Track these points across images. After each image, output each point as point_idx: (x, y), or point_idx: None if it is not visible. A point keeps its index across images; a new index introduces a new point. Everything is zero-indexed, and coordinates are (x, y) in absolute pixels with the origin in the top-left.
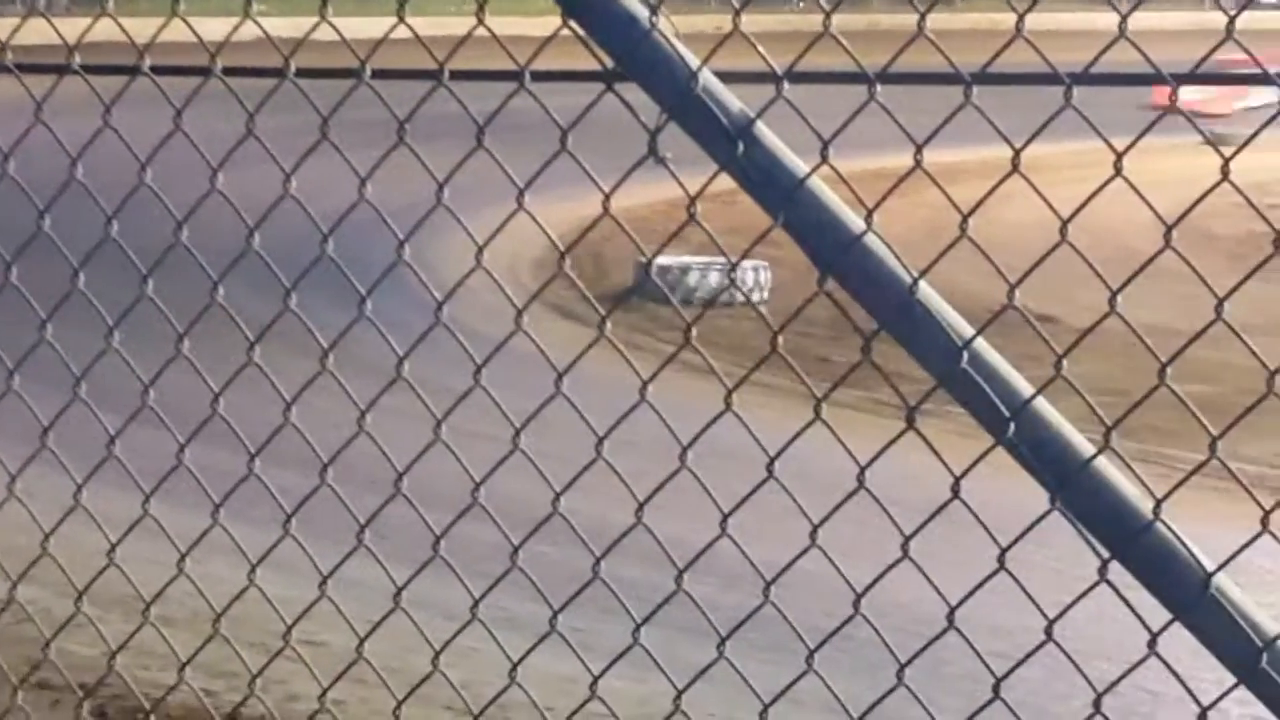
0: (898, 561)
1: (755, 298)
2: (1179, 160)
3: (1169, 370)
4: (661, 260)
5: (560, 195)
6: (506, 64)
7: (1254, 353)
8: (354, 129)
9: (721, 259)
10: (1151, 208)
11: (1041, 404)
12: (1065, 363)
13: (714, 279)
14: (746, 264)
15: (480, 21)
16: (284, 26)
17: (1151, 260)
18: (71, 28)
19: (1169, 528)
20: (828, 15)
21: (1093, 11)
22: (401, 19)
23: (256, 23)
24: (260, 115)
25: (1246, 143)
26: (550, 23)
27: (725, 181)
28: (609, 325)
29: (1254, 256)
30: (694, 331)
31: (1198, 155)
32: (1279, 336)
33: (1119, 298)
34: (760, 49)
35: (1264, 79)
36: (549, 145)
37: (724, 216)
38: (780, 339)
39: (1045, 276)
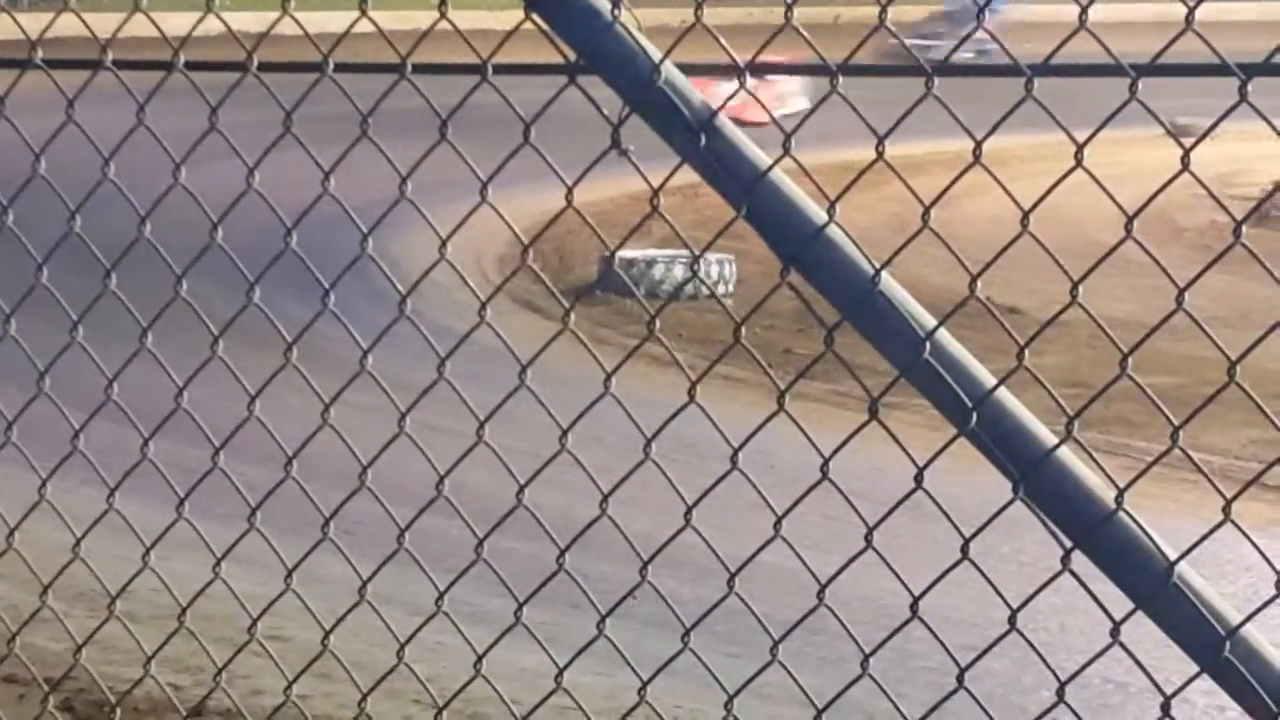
0: (861, 552)
1: (720, 291)
2: (1142, 152)
3: (1130, 361)
4: (626, 253)
5: (523, 190)
6: (469, 58)
7: (1215, 343)
8: (317, 123)
9: (686, 252)
10: (1112, 198)
11: (1004, 394)
12: (1028, 354)
13: (679, 272)
14: (711, 257)
15: (443, 15)
16: (247, 21)
17: (1112, 251)
18: (35, 22)
19: (1131, 517)
20: (789, 7)
21: (1064, 4)
22: (364, 13)
23: (219, 17)
24: (224, 110)
25: (1205, 135)
26: (512, 17)
27: (690, 175)
28: (573, 318)
29: (1218, 247)
30: (657, 324)
31: (1161, 147)
32: (1241, 328)
33: (1081, 289)
34: (722, 41)
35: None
36: (511, 139)
37: (689, 210)
38: (744, 331)
39: (1011, 269)
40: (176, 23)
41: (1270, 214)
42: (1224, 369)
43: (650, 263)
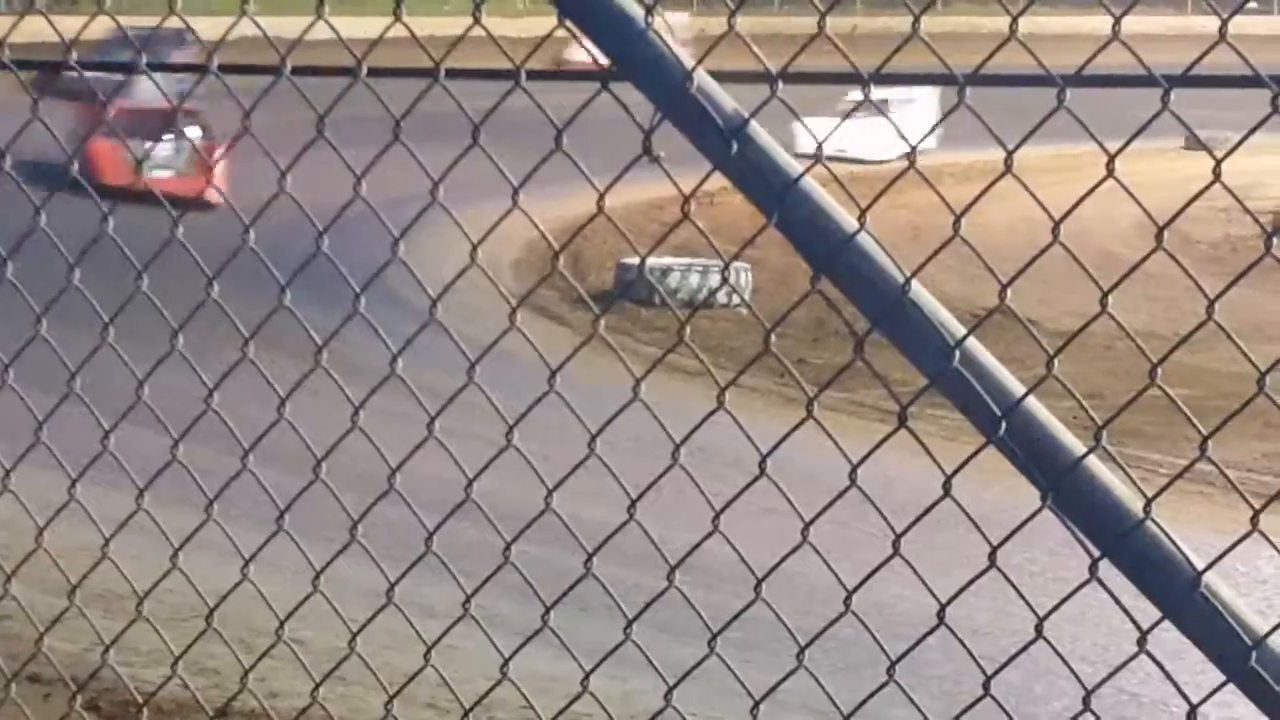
0: (889, 559)
1: (736, 300)
2: (1156, 164)
3: (1158, 373)
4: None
5: (543, 194)
6: (494, 63)
7: (1245, 354)
8: (346, 126)
9: (702, 260)
10: (1146, 211)
11: (1033, 403)
12: (1042, 365)
13: (694, 280)
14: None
15: (476, 20)
16: (278, 25)
17: (1139, 265)
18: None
19: (1159, 527)
20: (823, 15)
21: (1078, 15)
22: (398, 18)
23: (255, 22)
24: (256, 112)
25: (1238, 144)
26: (530, 24)
27: (707, 182)
28: (586, 323)
29: (1231, 260)
30: (687, 330)
31: (1174, 159)
32: (1255, 341)
33: (1107, 298)
34: (755, 49)
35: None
36: (534, 142)
37: (705, 217)
38: (758, 341)
39: (1025, 279)
40: (209, 24)
41: None
42: (1239, 381)
43: (666, 270)
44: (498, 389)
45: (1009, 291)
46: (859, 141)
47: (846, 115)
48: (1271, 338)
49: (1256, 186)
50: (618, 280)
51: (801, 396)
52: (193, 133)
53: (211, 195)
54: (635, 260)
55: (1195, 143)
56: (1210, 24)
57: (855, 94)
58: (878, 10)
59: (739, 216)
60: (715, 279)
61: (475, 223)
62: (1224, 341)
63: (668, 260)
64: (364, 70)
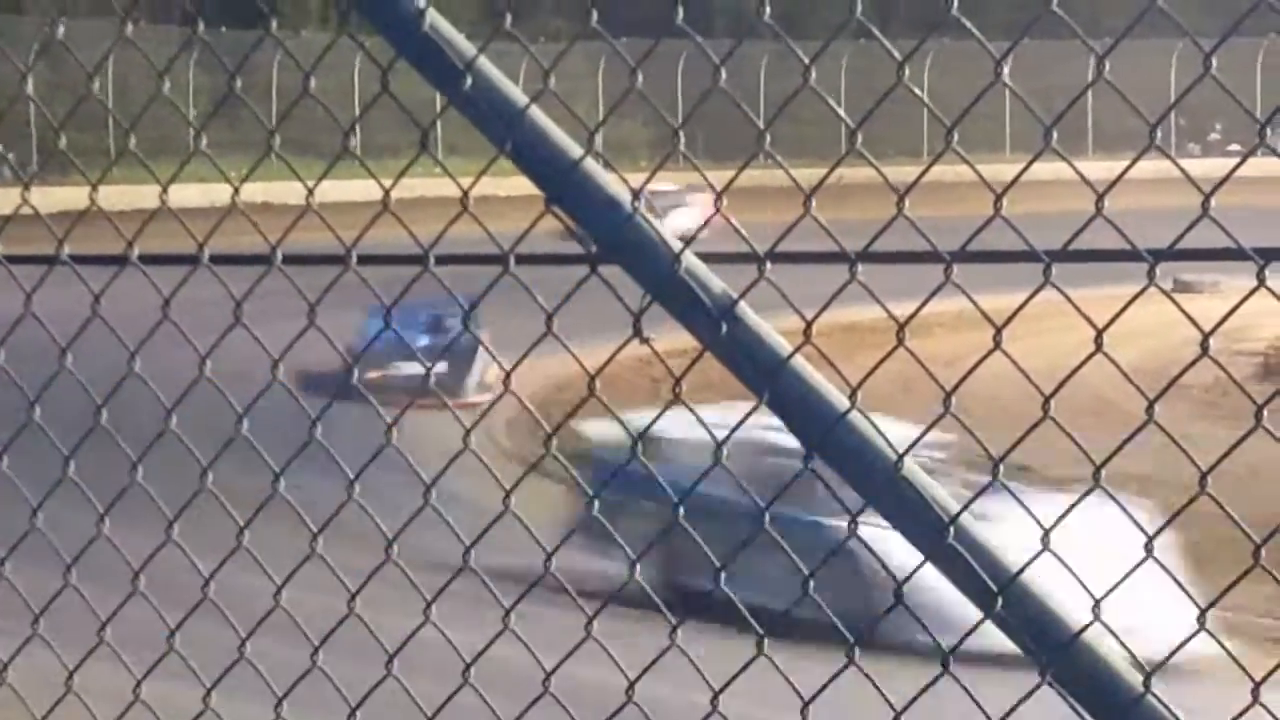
0: None
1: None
2: (1140, 310)
3: (1153, 537)
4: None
5: (534, 354)
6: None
7: (1244, 530)
8: (331, 306)
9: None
10: (1138, 388)
11: (1028, 576)
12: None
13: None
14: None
15: (465, 208)
16: (264, 192)
17: (1139, 431)
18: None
19: (1159, 700)
20: (808, 197)
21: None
22: (386, 206)
23: (241, 210)
24: (240, 285)
25: (1234, 309)
26: (520, 184)
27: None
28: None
29: (1224, 403)
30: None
31: (1156, 304)
32: (1252, 484)
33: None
34: (744, 233)
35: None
36: (522, 303)
37: (696, 372)
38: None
39: (1020, 426)
40: (189, 194)
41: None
42: (1234, 525)
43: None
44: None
45: (994, 444)
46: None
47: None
48: (1266, 479)
49: (1248, 328)
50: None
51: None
52: None
53: None
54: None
55: (1179, 286)
56: (1200, 166)
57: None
58: (863, 160)
59: (728, 371)
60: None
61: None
62: (1222, 489)
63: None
64: (354, 260)
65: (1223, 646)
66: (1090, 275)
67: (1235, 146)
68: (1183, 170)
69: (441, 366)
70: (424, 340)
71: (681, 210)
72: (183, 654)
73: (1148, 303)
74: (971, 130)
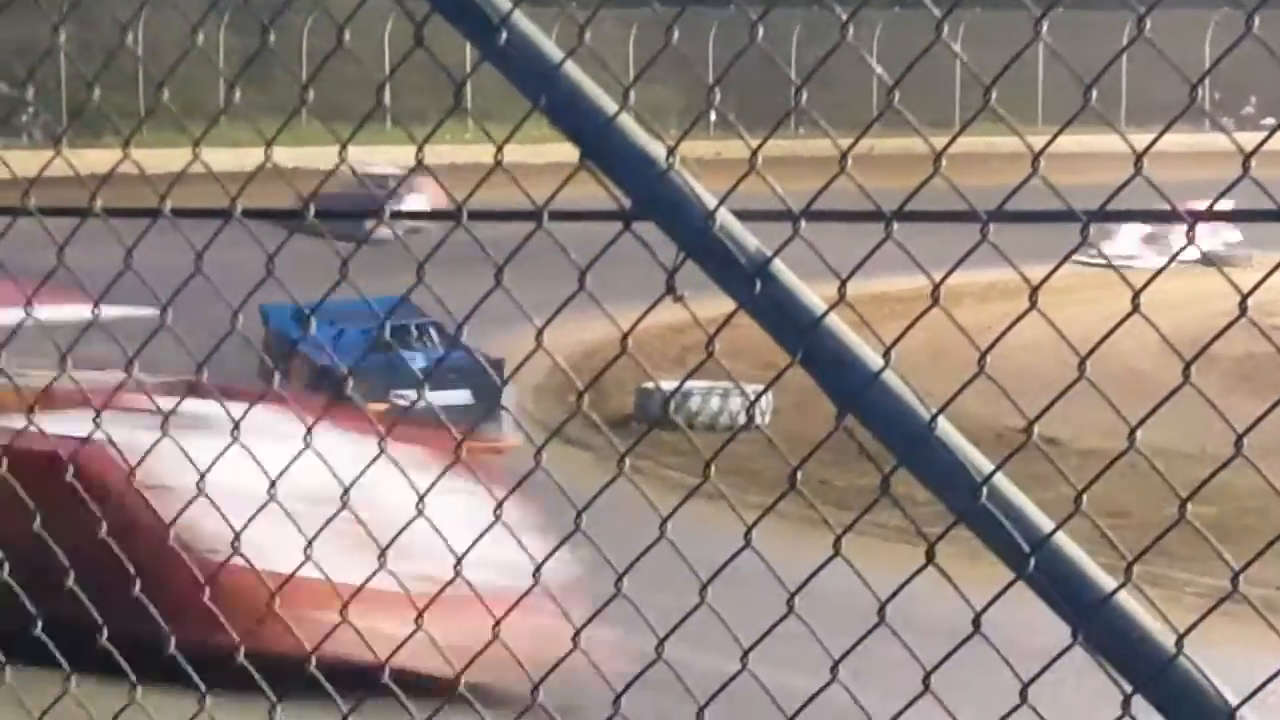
0: (919, 696)
1: (757, 422)
2: (1170, 282)
3: (1187, 508)
4: (664, 385)
5: (563, 318)
6: (514, 193)
7: (1273, 485)
8: (364, 261)
9: (722, 384)
10: (1176, 350)
11: (1060, 538)
12: (1073, 487)
13: (715, 404)
14: (749, 388)
15: (498, 164)
16: (296, 156)
17: (1173, 394)
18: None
19: (1191, 662)
20: (844, 155)
21: (1091, 135)
22: (420, 162)
23: (274, 165)
24: (272, 246)
25: (1268, 276)
26: (552, 150)
27: (728, 304)
28: (607, 447)
29: (1255, 376)
30: (713, 470)
31: (1187, 277)
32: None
33: (1129, 424)
34: (778, 189)
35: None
36: (554, 268)
37: (726, 339)
38: (780, 464)
39: (1049, 397)
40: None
41: None
42: (1265, 497)
43: (687, 394)
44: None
45: (1027, 413)
46: None
47: None
48: None
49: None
50: (638, 405)
51: (827, 519)
52: None
53: None
54: (659, 386)
55: (1215, 260)
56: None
57: None
58: (896, 130)
59: (761, 339)
60: (735, 402)
61: (498, 350)
62: (1251, 459)
63: (688, 385)
64: (387, 214)
65: (1254, 607)
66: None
67: (1270, 120)
68: (1223, 128)
69: (464, 396)
70: (419, 360)
71: (415, 196)
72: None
73: (1180, 276)
74: (1004, 101)
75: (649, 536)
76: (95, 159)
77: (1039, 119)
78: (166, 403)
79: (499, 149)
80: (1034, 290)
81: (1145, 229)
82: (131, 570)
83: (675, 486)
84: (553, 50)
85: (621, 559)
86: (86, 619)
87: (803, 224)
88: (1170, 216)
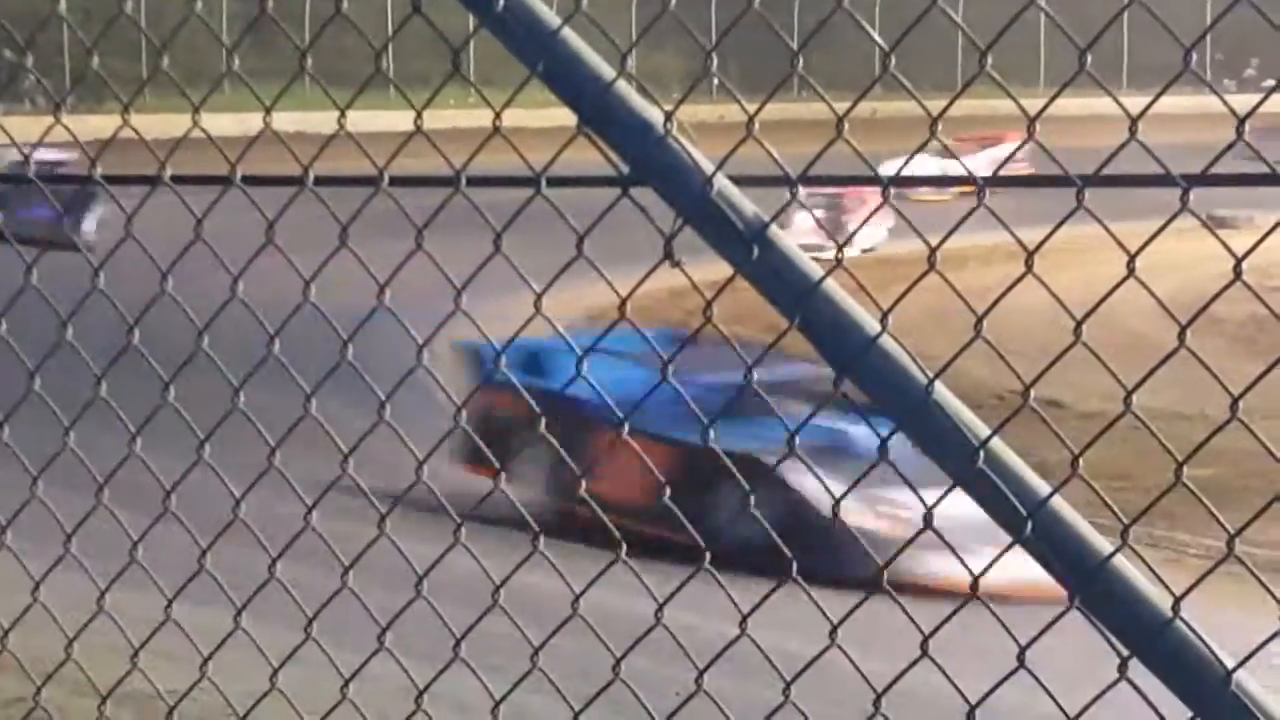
0: (916, 661)
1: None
2: (1173, 244)
3: (1183, 471)
4: None
5: (562, 285)
6: (512, 157)
7: (1271, 452)
8: (362, 227)
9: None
10: (1171, 314)
11: (1058, 502)
12: (1073, 450)
13: None
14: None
15: (496, 130)
16: (301, 121)
17: (1169, 358)
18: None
19: (1188, 625)
20: (840, 119)
21: (1092, 98)
22: (419, 128)
23: (274, 132)
24: (272, 213)
25: (1263, 239)
26: (552, 115)
27: (729, 268)
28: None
29: (1257, 339)
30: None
31: (1190, 239)
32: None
33: (1127, 388)
34: (775, 155)
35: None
36: (552, 234)
37: (729, 303)
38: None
39: (1049, 361)
40: (224, 124)
41: None
42: (1261, 460)
43: None
44: None
45: (1027, 377)
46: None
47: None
48: None
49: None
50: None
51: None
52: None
53: None
54: None
55: (1214, 222)
56: (1235, 101)
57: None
58: (896, 93)
59: (762, 302)
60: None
61: (499, 316)
62: (1251, 421)
63: None
64: (386, 180)
65: (1251, 571)
66: (1122, 211)
67: (1271, 82)
68: (1218, 94)
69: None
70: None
71: (89, 216)
72: (215, 575)
73: (1180, 237)
74: (1004, 63)
75: None
76: (98, 124)
77: (1041, 82)
78: None
79: (497, 115)
80: (1030, 255)
81: (821, 214)
82: None
83: None
84: (550, 16)
85: None
86: None
87: (800, 189)
88: (1166, 181)
